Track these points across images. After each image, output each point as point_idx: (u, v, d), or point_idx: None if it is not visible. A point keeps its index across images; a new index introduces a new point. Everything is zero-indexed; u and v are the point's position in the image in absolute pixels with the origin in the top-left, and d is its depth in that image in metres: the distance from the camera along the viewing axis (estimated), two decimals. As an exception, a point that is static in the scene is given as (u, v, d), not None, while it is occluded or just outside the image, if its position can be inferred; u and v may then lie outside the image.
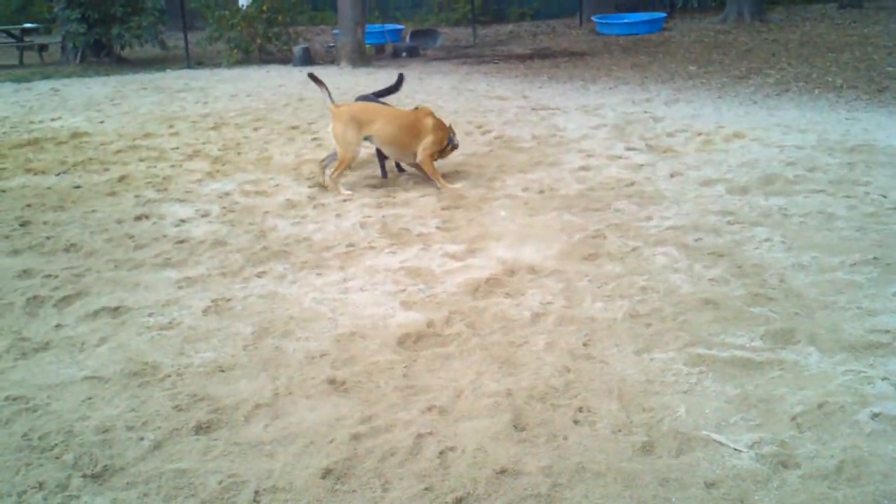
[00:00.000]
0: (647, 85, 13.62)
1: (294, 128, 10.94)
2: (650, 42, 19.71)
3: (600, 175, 7.83)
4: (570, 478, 3.20)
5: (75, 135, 10.81)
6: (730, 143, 8.88)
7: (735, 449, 3.35)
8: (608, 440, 3.46)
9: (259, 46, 20.17)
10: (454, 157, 8.73)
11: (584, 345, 4.33)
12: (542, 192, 7.34)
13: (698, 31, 20.77)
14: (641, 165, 8.12)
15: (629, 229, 6.16)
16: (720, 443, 3.40)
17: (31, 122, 11.95)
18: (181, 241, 6.27)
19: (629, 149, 8.86)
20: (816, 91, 11.91)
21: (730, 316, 4.58)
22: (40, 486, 3.24)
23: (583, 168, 8.12)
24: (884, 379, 3.83)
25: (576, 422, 3.61)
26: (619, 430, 3.53)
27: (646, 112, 11.03)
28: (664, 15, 22.75)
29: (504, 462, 3.30)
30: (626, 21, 22.37)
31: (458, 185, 7.57)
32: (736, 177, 7.46)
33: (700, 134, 9.37)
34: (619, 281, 5.18)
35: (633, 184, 7.45)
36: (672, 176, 7.66)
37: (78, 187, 8.06)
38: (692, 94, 12.45)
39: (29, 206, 7.42)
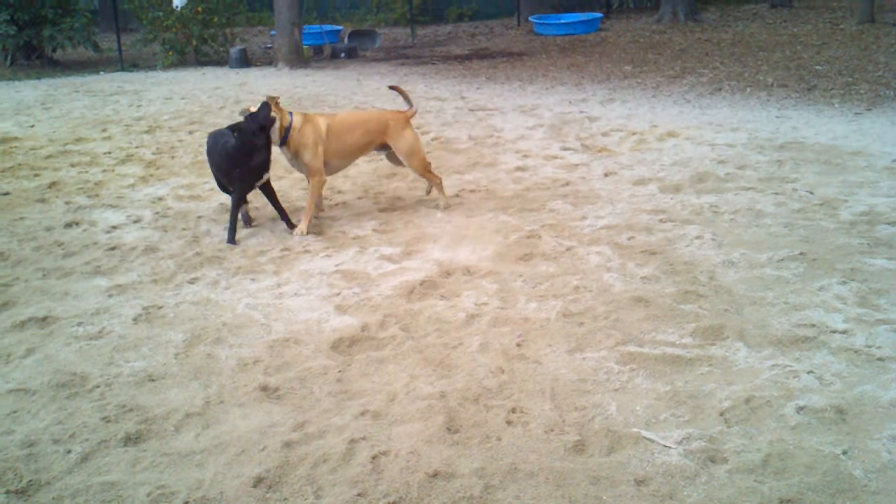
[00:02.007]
0: (583, 85, 13.74)
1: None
2: (587, 42, 19.89)
3: (536, 175, 7.89)
4: (503, 479, 3.22)
5: (4, 140, 10.54)
6: (663, 142, 9.01)
7: (664, 445, 3.40)
8: (541, 440, 3.48)
9: (194, 48, 19.89)
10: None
11: (518, 345, 4.36)
12: (478, 192, 7.36)
13: (634, 32, 21.02)
14: (577, 165, 8.19)
15: (564, 229, 6.21)
16: (650, 440, 3.45)
17: (-42, 128, 11.64)
18: (112, 248, 6.16)
19: (565, 149, 8.94)
20: (748, 90, 12.13)
21: (661, 314, 4.64)
22: (-38, 503, 3.17)
23: (519, 168, 8.17)
24: (809, 372, 3.92)
25: (509, 422, 3.62)
26: (552, 430, 3.56)
27: (582, 112, 11.13)
28: (601, 15, 22.96)
29: (437, 465, 3.31)
30: (562, 21, 22.54)
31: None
32: (668, 175, 7.57)
33: (634, 133, 9.49)
34: (552, 281, 5.22)
35: (568, 184, 7.52)
36: (606, 175, 7.74)
37: (6, 194, 7.87)
38: (627, 93, 12.59)
39: (-46, 213, 7.22)
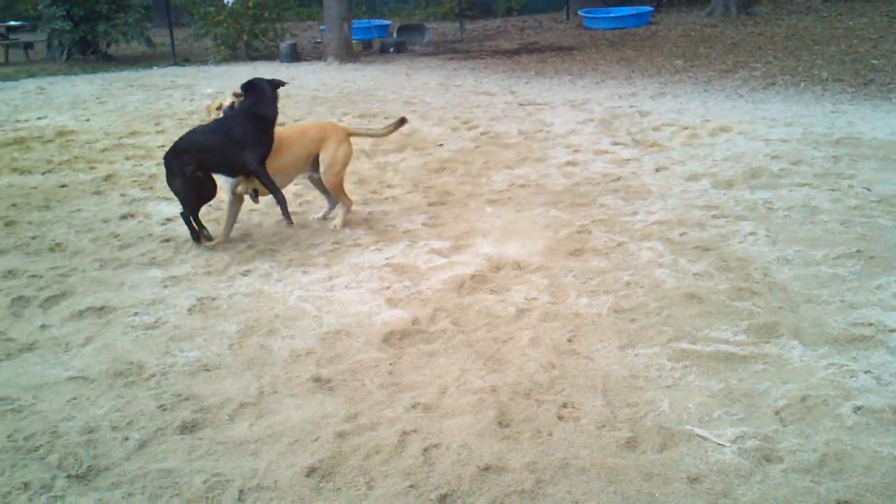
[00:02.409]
0: (633, 79, 13.64)
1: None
2: (637, 36, 19.73)
3: (586, 170, 7.85)
4: (554, 473, 3.21)
5: (61, 133, 10.77)
6: (715, 137, 8.91)
7: (718, 444, 3.36)
8: (592, 436, 3.47)
9: (245, 43, 20.12)
10: (441, 154, 8.76)
11: (569, 340, 4.34)
12: (528, 187, 7.35)
13: (685, 25, 20.80)
14: (627, 160, 8.14)
15: (615, 224, 6.18)
16: (703, 437, 3.41)
17: (17, 121, 11.91)
18: (166, 240, 6.26)
19: (615, 143, 8.88)
20: (802, 84, 11.95)
21: (714, 310, 4.59)
22: (25, 486, 3.23)
23: (569, 163, 8.14)
24: (866, 372, 3.85)
25: (560, 417, 3.61)
26: (604, 426, 3.54)
27: (632, 106, 11.05)
28: (651, 9, 22.76)
29: (488, 458, 3.31)
30: (612, 15, 22.38)
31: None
32: (721, 171, 7.49)
33: (686, 128, 9.40)
34: (603, 276, 5.19)
35: (618, 179, 7.47)
36: (658, 170, 7.68)
37: (64, 186, 8.03)
38: (678, 88, 12.47)
39: (14, 205, 7.38)
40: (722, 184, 7.09)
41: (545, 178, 7.62)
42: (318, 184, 6.61)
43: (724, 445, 3.35)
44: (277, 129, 6.17)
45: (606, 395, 3.78)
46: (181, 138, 6.06)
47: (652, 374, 3.97)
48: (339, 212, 6.53)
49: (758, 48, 15.87)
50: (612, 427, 3.53)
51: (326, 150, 6.34)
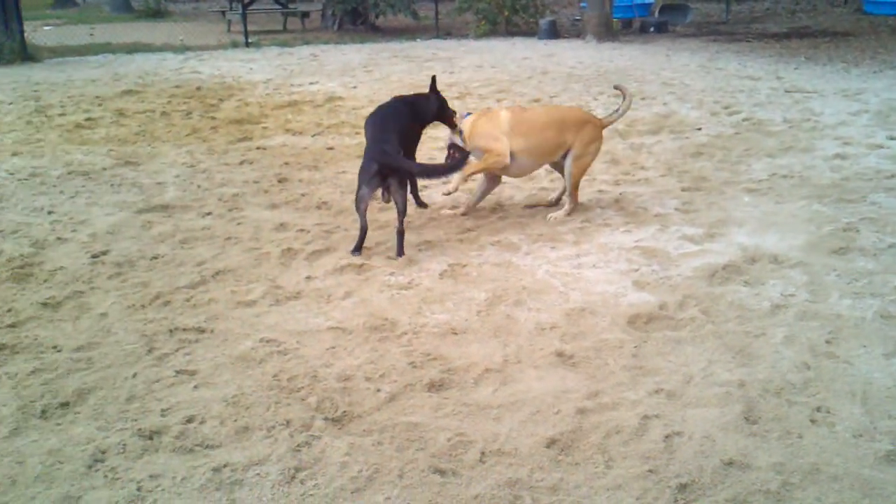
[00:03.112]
0: (917, 70, 12.59)
1: (536, 100, 11.01)
2: (925, 23, 18.16)
3: (857, 164, 7.35)
4: (803, 478, 3.07)
5: (330, 99, 11.43)
6: None
7: None
8: (848, 444, 3.29)
9: (506, 18, 20.39)
10: (698, 138, 8.52)
11: (828, 342, 4.12)
12: (790, 178, 6.99)
13: (983, 13, 18.89)
14: (905, 156, 7.55)
15: (886, 224, 5.76)
16: (976, 461, 3.14)
17: (292, 86, 12.75)
18: (423, 206, 6.50)
19: (892, 138, 8.25)
20: None
21: None
22: (287, 423, 3.50)
23: (838, 156, 7.66)
24: None
25: (813, 421, 3.45)
26: (861, 435, 3.34)
27: (914, 99, 10.21)
28: (944, -7, 20.83)
29: (732, 453, 3.22)
30: (897, 0, 20.70)
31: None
32: None
33: (976, 125, 8.57)
34: (871, 278, 4.86)
35: (894, 176, 6.94)
36: (940, 170, 7.06)
37: (331, 149, 8.54)
38: (970, 81, 11.38)
39: (287, 163, 7.94)
40: None
41: (810, 170, 7.22)
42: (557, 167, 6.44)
43: None
44: (535, 108, 6.06)
45: (866, 404, 3.56)
46: None
47: (920, 387, 3.69)
48: (565, 204, 6.33)
49: None
50: (871, 438, 3.32)
51: (581, 140, 6.13)
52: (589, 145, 6.15)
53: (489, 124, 6.03)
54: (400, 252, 5.43)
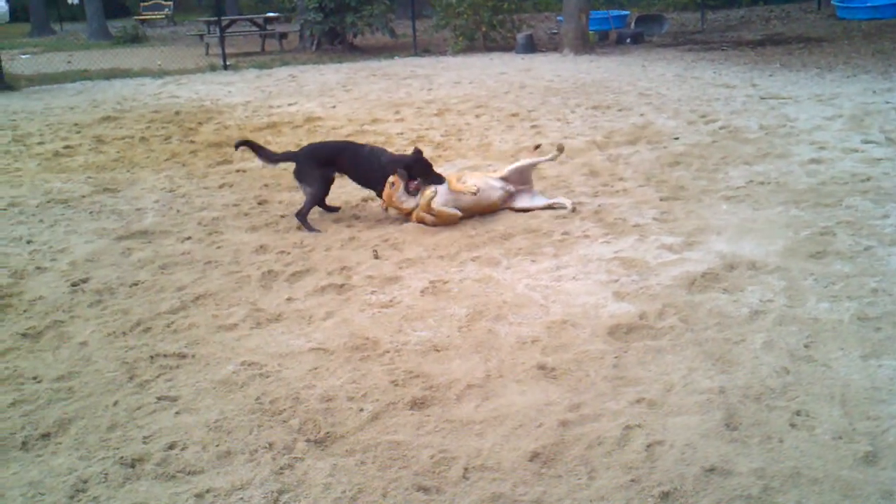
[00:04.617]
0: (890, 73, 12.73)
1: (514, 115, 11.07)
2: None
3: (833, 169, 7.42)
4: (784, 482, 3.09)
5: (309, 119, 11.46)
6: (984, 136, 8.16)
7: (971, 468, 3.11)
8: (827, 446, 3.31)
9: (483, 34, 20.51)
10: (676, 147, 8.58)
11: (806, 346, 4.15)
12: (767, 185, 7.04)
13: (953, 14, 19.12)
14: (879, 160, 7.61)
15: (862, 227, 5.81)
16: (954, 460, 3.17)
17: (271, 107, 12.78)
18: (401, 223, 6.51)
19: (866, 142, 8.33)
20: None
21: (973, 325, 4.23)
22: (270, 446, 3.50)
23: (814, 161, 7.73)
24: None
25: (793, 425, 3.47)
26: (840, 437, 3.36)
27: (887, 102, 10.32)
28: (915, -3, 21.08)
29: (714, 460, 3.23)
30: (869, 5, 20.91)
31: None
32: None
33: (949, 126, 8.67)
34: (847, 281, 4.91)
35: (869, 179, 7.00)
36: (914, 171, 7.14)
37: (311, 169, 8.53)
38: (942, 82, 11.51)
39: (266, 185, 7.95)
40: None
41: (786, 176, 7.28)
42: None
43: (977, 471, 3.09)
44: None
45: (845, 406, 3.59)
46: None
47: (898, 387, 3.72)
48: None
49: None
50: (850, 440, 3.34)
51: None
52: None
53: None
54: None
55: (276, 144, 9.79)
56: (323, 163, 6.69)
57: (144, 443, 3.54)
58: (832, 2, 22.01)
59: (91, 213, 7.17)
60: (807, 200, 6.50)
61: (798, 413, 3.55)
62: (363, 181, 6.85)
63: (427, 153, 8.85)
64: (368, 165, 6.69)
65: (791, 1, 26.13)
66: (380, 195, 6.67)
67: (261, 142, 9.81)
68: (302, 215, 6.54)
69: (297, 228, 6.52)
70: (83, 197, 7.68)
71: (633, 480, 3.15)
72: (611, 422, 3.56)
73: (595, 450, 3.36)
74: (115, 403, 3.89)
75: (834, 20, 20.90)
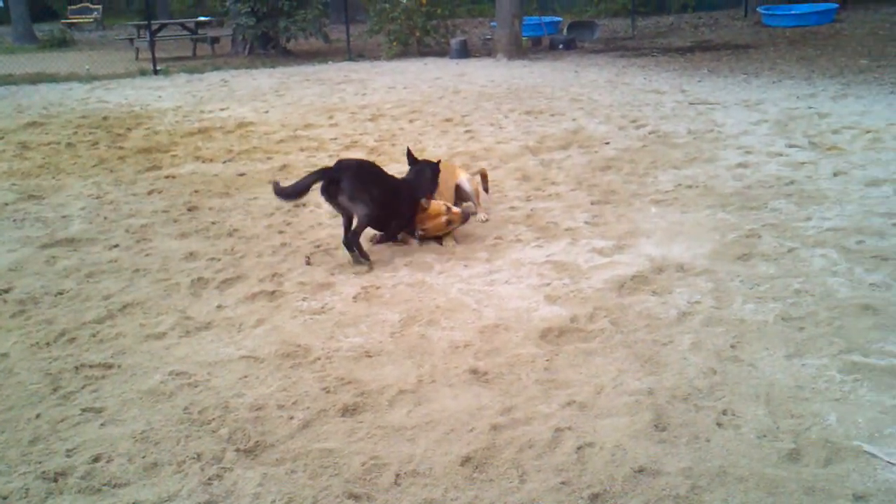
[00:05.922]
0: (813, 79, 13.06)
1: (448, 120, 11.09)
2: (819, 34, 18.86)
3: (759, 172, 7.59)
4: (711, 481, 3.14)
5: (241, 124, 11.33)
6: (901, 141, 8.42)
7: (889, 462, 3.20)
8: (752, 445, 3.37)
9: (418, 39, 20.53)
10: (607, 152, 8.68)
11: (732, 346, 4.23)
12: (695, 188, 7.17)
13: (872, 23, 19.71)
14: (803, 163, 7.81)
15: (786, 229, 5.95)
16: (872, 455, 3.26)
17: (202, 112, 12.60)
18: (335, 229, 6.47)
19: (791, 146, 8.54)
20: None
21: (891, 323, 4.36)
22: (198, 457, 3.44)
23: (740, 165, 7.89)
24: None
25: (719, 424, 3.53)
26: (765, 436, 3.43)
27: (811, 108, 10.59)
28: (836, 6, 21.67)
29: (643, 461, 3.27)
30: (794, 12, 21.45)
31: None
32: (906, 177, 7.07)
33: (869, 131, 8.92)
34: (772, 282, 5.02)
35: (792, 182, 7.18)
36: (835, 175, 7.33)
37: (242, 175, 8.45)
38: (862, 89, 11.85)
39: (197, 191, 7.83)
40: (906, 191, 6.70)
41: (714, 180, 7.42)
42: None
43: (895, 465, 3.18)
44: None
45: (769, 405, 3.66)
46: None
47: (819, 385, 3.81)
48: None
49: (954, 47, 14.87)
50: (774, 438, 3.42)
51: None
52: None
53: None
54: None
55: (208, 150, 9.67)
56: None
57: (68, 456, 3.45)
58: (758, 9, 22.51)
59: (14, 221, 6.98)
60: (733, 204, 6.64)
61: (724, 413, 3.62)
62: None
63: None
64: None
65: (719, 8, 26.65)
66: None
67: (191, 147, 9.74)
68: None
69: (226, 234, 6.43)
70: (6, 205, 7.48)
71: (563, 483, 3.17)
72: (542, 425, 3.58)
73: (526, 453, 3.38)
74: (38, 416, 3.79)
75: (760, 27, 21.38)
